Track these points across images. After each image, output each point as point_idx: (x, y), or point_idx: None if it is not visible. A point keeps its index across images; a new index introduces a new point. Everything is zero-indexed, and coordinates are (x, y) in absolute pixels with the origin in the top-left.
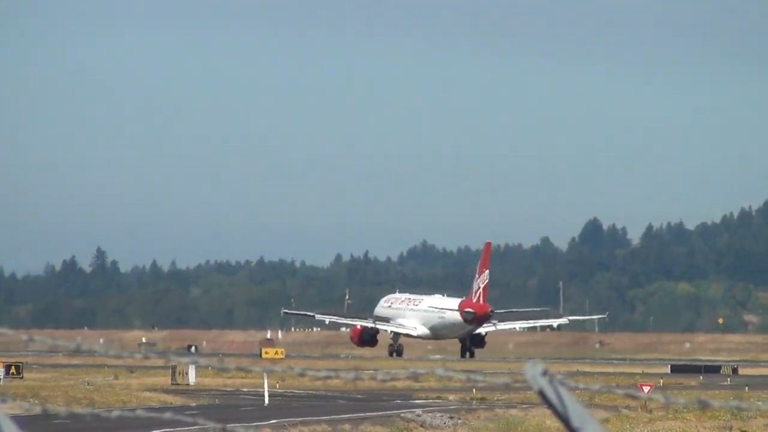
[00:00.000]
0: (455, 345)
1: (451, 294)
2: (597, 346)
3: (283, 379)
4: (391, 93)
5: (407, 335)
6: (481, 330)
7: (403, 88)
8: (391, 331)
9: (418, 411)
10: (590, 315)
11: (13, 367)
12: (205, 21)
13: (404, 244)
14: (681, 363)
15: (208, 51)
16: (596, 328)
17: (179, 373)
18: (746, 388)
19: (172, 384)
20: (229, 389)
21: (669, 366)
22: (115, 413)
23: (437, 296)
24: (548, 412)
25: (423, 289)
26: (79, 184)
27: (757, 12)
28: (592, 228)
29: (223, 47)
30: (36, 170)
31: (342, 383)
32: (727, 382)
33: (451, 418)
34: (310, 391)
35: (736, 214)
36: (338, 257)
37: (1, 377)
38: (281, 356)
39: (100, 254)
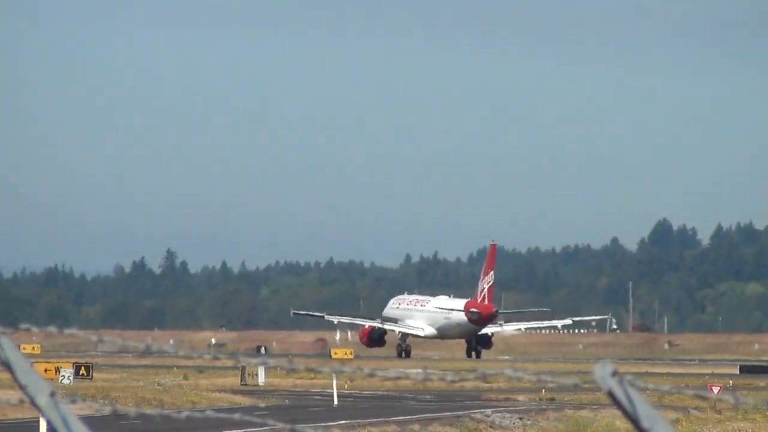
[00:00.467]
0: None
1: (525, 294)
2: (666, 347)
3: (352, 379)
4: (468, 94)
5: (415, 336)
6: (488, 330)
7: (483, 91)
8: (399, 332)
9: (488, 411)
10: (658, 316)
11: (83, 367)
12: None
13: (473, 245)
14: (750, 363)
15: (289, 50)
16: (665, 329)
17: (249, 374)
18: None
19: (241, 385)
20: (298, 390)
21: (738, 367)
22: (185, 414)
23: (443, 297)
24: (618, 413)
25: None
26: (148, 185)
27: None
28: (662, 229)
29: (322, 45)
30: (106, 171)
31: (411, 384)
32: None
33: (521, 418)
34: (379, 392)
35: None
36: (408, 258)
37: (71, 378)
38: (350, 357)
39: (170, 255)
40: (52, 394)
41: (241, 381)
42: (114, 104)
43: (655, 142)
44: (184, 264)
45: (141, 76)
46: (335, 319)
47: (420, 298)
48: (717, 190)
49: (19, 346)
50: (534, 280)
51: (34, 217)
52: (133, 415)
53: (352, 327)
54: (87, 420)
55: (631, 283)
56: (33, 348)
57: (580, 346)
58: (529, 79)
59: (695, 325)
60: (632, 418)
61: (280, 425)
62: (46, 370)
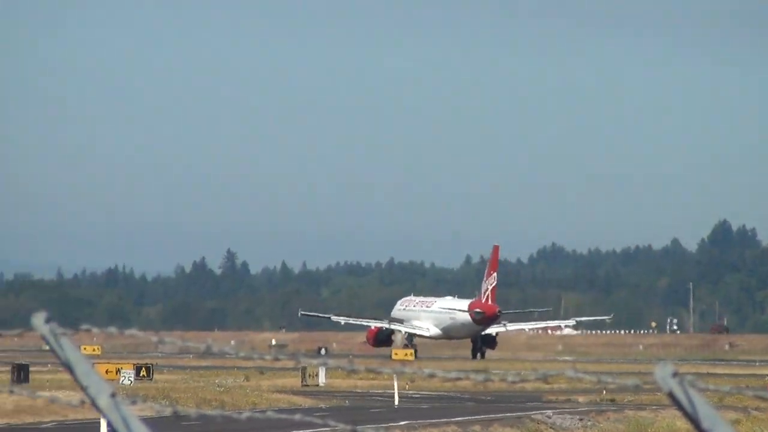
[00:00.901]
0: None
1: (586, 294)
2: (726, 347)
3: (413, 380)
4: (523, 96)
5: (420, 336)
6: (492, 331)
7: (537, 91)
8: (405, 332)
9: (548, 412)
10: (718, 317)
11: (143, 368)
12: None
13: (534, 246)
14: None
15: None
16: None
17: (309, 375)
18: None
19: (302, 385)
20: (359, 391)
21: None
22: (245, 415)
23: (449, 298)
24: (678, 413)
25: (553, 290)
26: (209, 185)
27: None
28: (722, 229)
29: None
30: (167, 172)
31: (472, 384)
32: None
33: (581, 419)
34: (441, 393)
35: None
36: (468, 258)
37: (132, 379)
38: (411, 358)
39: (230, 256)
40: (113, 395)
41: (301, 382)
42: (175, 105)
43: (715, 142)
44: (244, 264)
45: (205, 75)
46: (342, 320)
47: (426, 299)
48: None
49: (79, 347)
50: (595, 280)
51: (95, 217)
52: (194, 416)
53: (359, 328)
54: (148, 421)
55: (691, 283)
56: (94, 349)
57: (641, 347)
58: (589, 81)
59: (755, 325)
60: (692, 419)
61: (341, 426)
62: (106, 371)
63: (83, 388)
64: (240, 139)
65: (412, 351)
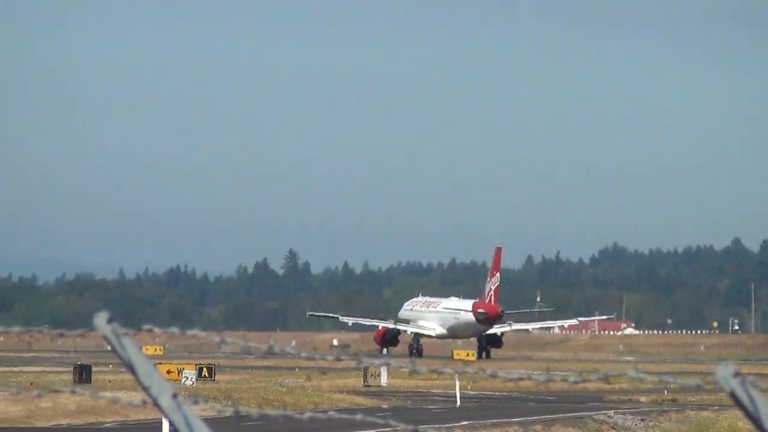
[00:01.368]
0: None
1: (647, 295)
2: None
3: (475, 380)
4: (579, 99)
5: (427, 336)
6: (497, 330)
7: (596, 95)
8: (412, 332)
9: (610, 412)
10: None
11: (205, 369)
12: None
13: (595, 246)
14: None
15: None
16: None
17: (371, 375)
18: None
19: (364, 386)
20: (420, 391)
21: None
22: (307, 415)
23: (453, 298)
24: (740, 413)
25: (615, 290)
26: (271, 186)
27: None
28: None
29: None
30: (230, 173)
31: (534, 385)
32: None
33: (643, 420)
34: (502, 393)
35: None
36: (530, 259)
37: (194, 379)
38: (473, 358)
39: (292, 256)
40: (175, 396)
41: (363, 382)
42: (240, 110)
43: None
44: (306, 264)
45: (265, 79)
46: (349, 321)
47: (432, 299)
48: None
49: (141, 348)
50: (656, 280)
51: (157, 218)
52: (256, 416)
53: (366, 328)
54: (209, 421)
55: (753, 284)
56: (156, 349)
57: (702, 347)
58: (642, 84)
59: None
60: (754, 419)
61: (403, 426)
62: (168, 372)
63: (145, 389)
64: (303, 141)
65: (474, 351)
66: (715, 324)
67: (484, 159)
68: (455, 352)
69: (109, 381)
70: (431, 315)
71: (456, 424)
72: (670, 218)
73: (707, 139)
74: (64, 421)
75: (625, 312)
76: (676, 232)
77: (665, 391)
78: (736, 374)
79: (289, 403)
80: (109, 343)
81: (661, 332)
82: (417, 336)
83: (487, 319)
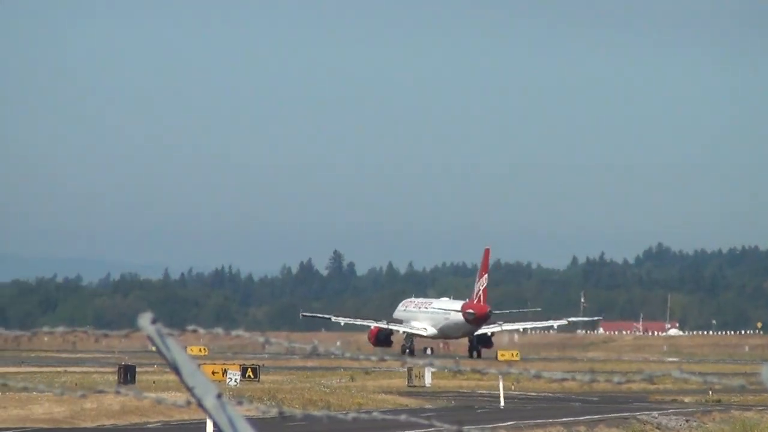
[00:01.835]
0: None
1: (692, 295)
2: None
3: (519, 381)
4: (630, 100)
5: (418, 335)
6: (487, 330)
7: (642, 98)
8: (404, 332)
9: (654, 413)
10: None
11: (249, 370)
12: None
13: (640, 246)
14: None
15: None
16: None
17: (415, 375)
18: None
19: (408, 386)
20: (464, 391)
21: None
22: (351, 415)
23: (445, 299)
24: None
25: (659, 291)
26: (315, 186)
27: None
28: None
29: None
30: (274, 174)
31: (577, 385)
32: None
33: (687, 420)
34: (546, 393)
35: None
36: (574, 260)
37: (238, 380)
38: (517, 358)
39: (337, 256)
40: (219, 396)
41: (407, 382)
42: (285, 110)
43: None
44: (351, 265)
45: (312, 79)
46: (342, 321)
47: (424, 300)
48: None
49: (185, 348)
50: (701, 281)
51: (202, 218)
52: (300, 416)
53: (358, 329)
54: (253, 422)
55: None
56: (200, 350)
57: (746, 348)
58: (692, 88)
59: None
60: None
61: (447, 426)
62: (213, 372)
63: (189, 389)
64: (348, 141)
65: (518, 351)
66: (760, 325)
67: (530, 160)
68: (499, 353)
69: (154, 381)
70: (423, 315)
71: (500, 425)
72: (715, 218)
73: (755, 139)
74: (109, 422)
75: (670, 313)
76: (721, 233)
77: (710, 392)
78: None
79: (333, 404)
80: (154, 343)
81: (705, 333)
82: (409, 336)
83: (476, 319)
